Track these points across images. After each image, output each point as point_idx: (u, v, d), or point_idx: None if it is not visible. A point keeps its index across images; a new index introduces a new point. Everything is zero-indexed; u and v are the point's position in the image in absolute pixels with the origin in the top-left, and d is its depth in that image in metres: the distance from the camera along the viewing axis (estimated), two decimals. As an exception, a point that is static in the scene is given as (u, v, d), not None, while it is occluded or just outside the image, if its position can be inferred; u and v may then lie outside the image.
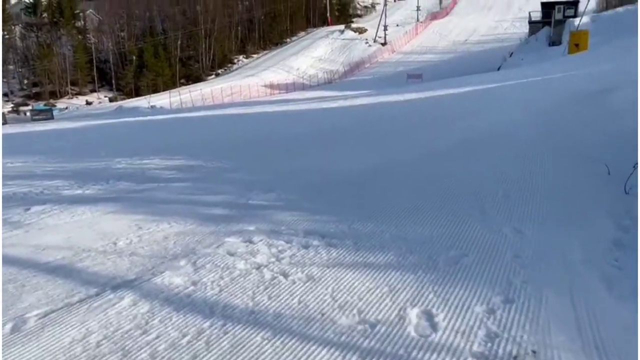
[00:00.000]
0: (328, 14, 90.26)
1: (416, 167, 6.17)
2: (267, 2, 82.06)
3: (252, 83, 62.34)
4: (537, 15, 55.62)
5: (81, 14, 69.43)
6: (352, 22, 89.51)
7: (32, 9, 65.17)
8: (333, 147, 8.04)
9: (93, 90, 64.08)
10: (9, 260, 3.54)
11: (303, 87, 62.16)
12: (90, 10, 73.77)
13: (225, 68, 73.93)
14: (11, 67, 62.50)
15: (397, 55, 72.82)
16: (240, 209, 4.67)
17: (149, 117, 28.14)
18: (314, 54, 75.25)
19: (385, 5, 79.09)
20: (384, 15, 76.81)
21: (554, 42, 47.83)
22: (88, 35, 68.15)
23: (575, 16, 47.16)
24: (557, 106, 10.78)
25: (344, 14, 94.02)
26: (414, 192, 5.01)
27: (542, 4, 55.95)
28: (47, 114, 44.22)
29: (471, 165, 5.99)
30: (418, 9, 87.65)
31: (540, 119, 9.53)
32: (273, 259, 3.47)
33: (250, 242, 3.81)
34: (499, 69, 48.63)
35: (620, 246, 3.77)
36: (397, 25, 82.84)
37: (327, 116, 15.73)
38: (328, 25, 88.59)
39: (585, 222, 4.11)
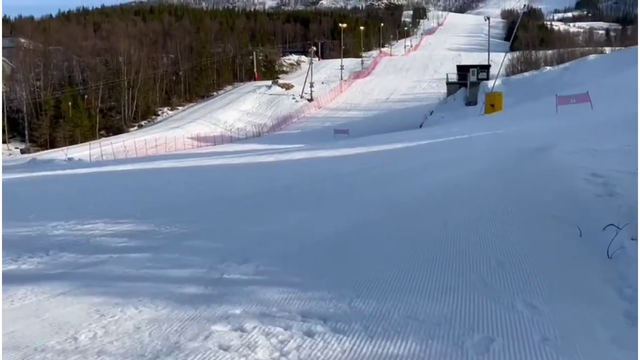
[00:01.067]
0: (255, 70, 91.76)
1: (390, 228, 5.88)
2: (193, 56, 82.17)
3: (178, 135, 61.08)
4: (453, 77, 59.67)
5: (-8, 61, 65.56)
6: (279, 78, 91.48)
7: (-64, 53, 60.68)
8: (291, 208, 7.62)
9: (3, 142, 59.70)
10: None
11: (231, 140, 61.81)
12: (3, 58, 69.98)
13: (149, 120, 72.20)
14: None
15: (324, 111, 74.76)
16: (217, 285, 4.10)
17: (70, 171, 26.29)
18: (242, 107, 75.55)
19: (311, 63, 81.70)
20: (310, 73, 79.14)
21: (470, 102, 51.25)
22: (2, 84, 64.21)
23: (487, 79, 51.10)
24: (501, 164, 11.11)
25: (270, 70, 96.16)
26: (399, 258, 4.68)
27: (458, 67, 60.31)
28: (-55, 167, 40.13)
29: (448, 224, 5.79)
30: (342, 67, 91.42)
31: (489, 177, 9.70)
32: (277, 354, 2.95)
33: (242, 330, 3.26)
34: (421, 126, 51.07)
35: (633, 319, 3.63)
36: (323, 83, 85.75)
37: (267, 172, 15.34)
38: (255, 80, 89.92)
39: (591, 293, 3.95)
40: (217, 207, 8.01)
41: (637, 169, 6.37)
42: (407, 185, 8.95)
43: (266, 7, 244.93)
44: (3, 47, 78.02)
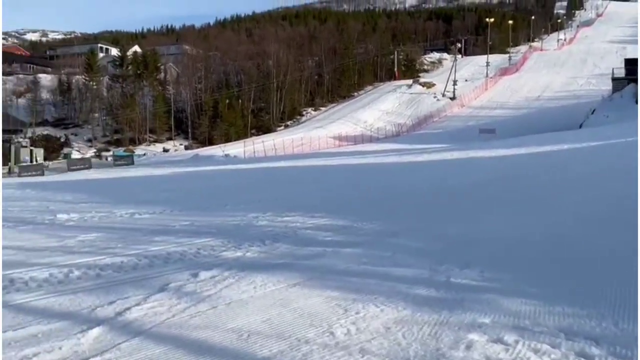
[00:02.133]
0: (395, 69, 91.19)
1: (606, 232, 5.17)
2: (336, 58, 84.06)
3: (320, 135, 62.85)
4: (620, 72, 53.36)
5: (162, 67, 73.60)
6: (419, 76, 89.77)
7: (120, 62, 69.70)
8: (489, 209, 7.16)
9: (169, 138, 66.77)
10: (213, 350, 2.88)
11: (371, 140, 61.97)
12: (170, 63, 78.31)
13: (294, 120, 75.42)
14: (96, 114, 66.53)
15: (467, 110, 71.74)
16: (449, 289, 3.87)
17: (232, 166, 28.44)
18: (382, 107, 75.49)
19: (455, 60, 78.97)
20: (453, 70, 76.50)
21: (642, 99, 45.35)
22: (168, 87, 71.88)
23: (664, 72, 44.79)
24: None
25: (411, 69, 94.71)
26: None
27: (626, 60, 53.78)
28: (127, 160, 46.04)
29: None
30: (487, 64, 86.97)
31: None
32: (561, 375, 2.61)
33: (503, 342, 2.98)
34: (580, 126, 46.53)
35: None
36: (466, 80, 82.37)
37: (434, 170, 14.92)
38: (395, 79, 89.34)
39: None
40: (402, 204, 7.86)
41: None
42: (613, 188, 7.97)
43: (407, 5, 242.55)
44: (171, 54, 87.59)
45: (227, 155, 50.49)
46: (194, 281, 4.09)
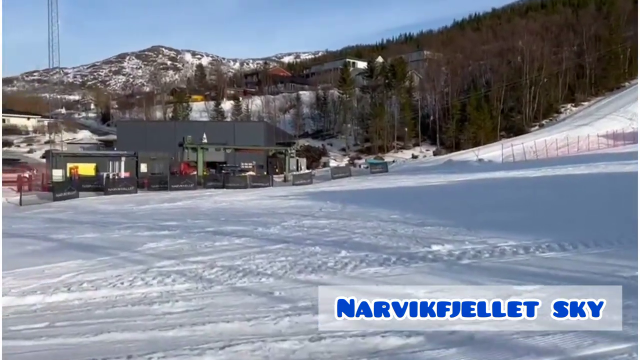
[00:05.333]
0: (682, 50, 74.87)
1: None
2: (600, 45, 73.07)
3: (585, 134, 54.97)
4: None
5: (409, 74, 74.53)
6: None
7: (369, 73, 72.97)
8: None
9: (416, 145, 67.01)
10: None
11: (657, 138, 51.59)
12: (413, 70, 78.86)
13: (551, 118, 68.08)
14: (349, 125, 70.80)
15: None
16: None
17: (504, 173, 26.03)
18: (666, 97, 62.58)
19: None
20: None
21: None
22: (413, 94, 72.43)
23: None
24: None
25: (702, 48, 76.59)
26: None
27: None
28: (382, 168, 47.09)
29: None
30: None
31: None
32: None
33: None
34: None
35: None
36: None
37: None
38: (681, 62, 73.37)
39: None
40: None
41: None
42: None
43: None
44: (413, 61, 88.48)
45: (480, 160, 47.78)
46: None
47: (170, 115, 78.76)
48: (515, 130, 65.66)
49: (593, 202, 11.49)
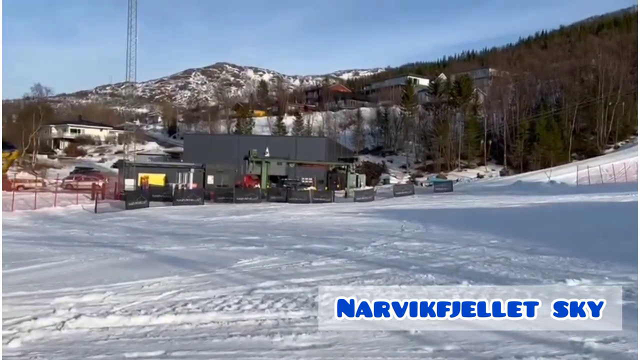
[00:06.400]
0: None
1: None
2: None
3: (667, 157, 51.15)
4: None
5: (474, 92, 72.61)
6: None
7: (433, 90, 71.66)
8: None
9: (480, 164, 64.81)
10: None
11: None
12: (477, 88, 76.67)
13: (627, 140, 64.08)
14: (410, 142, 69.58)
15: None
16: None
17: (595, 197, 24.27)
18: None
19: None
20: None
21: None
22: (479, 112, 70.37)
23: None
24: None
25: None
26: None
27: None
28: (447, 186, 45.65)
29: None
30: None
31: None
32: None
33: None
34: None
35: None
36: None
37: None
38: None
39: None
40: None
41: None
42: None
43: None
44: (478, 78, 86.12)
45: (552, 182, 45.41)
46: None
47: (234, 129, 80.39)
48: (588, 151, 62.27)
49: None
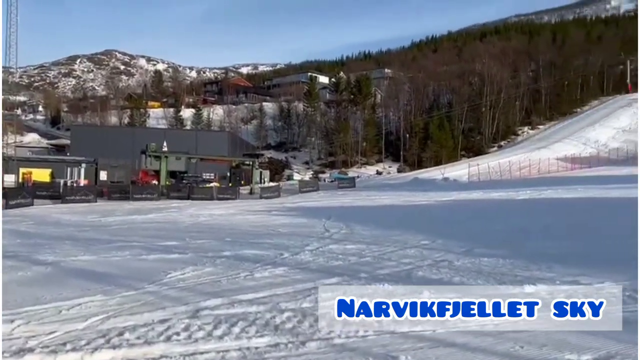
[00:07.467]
0: (628, 80, 79.24)
1: None
2: (555, 72, 76.14)
3: (544, 156, 56.60)
4: None
5: (372, 91, 74.81)
6: (657, 88, 76.51)
7: (335, 88, 72.72)
8: None
9: (379, 161, 67.01)
10: None
11: (608, 162, 53.86)
12: (374, 87, 79.19)
13: (509, 140, 69.90)
14: (312, 139, 70.07)
15: None
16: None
17: (500, 193, 25.80)
18: (616, 124, 65.77)
19: None
20: None
21: None
22: (377, 111, 72.70)
23: None
24: None
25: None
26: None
27: None
28: (350, 183, 46.54)
29: None
30: None
31: None
32: None
33: None
34: None
35: None
36: None
37: None
38: (627, 92, 77.65)
39: None
40: None
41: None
42: None
43: (621, 11, 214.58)
44: (375, 78, 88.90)
45: (446, 179, 48.03)
46: None
47: (127, 121, 75.50)
48: (475, 150, 66.96)
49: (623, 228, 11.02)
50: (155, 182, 40.16)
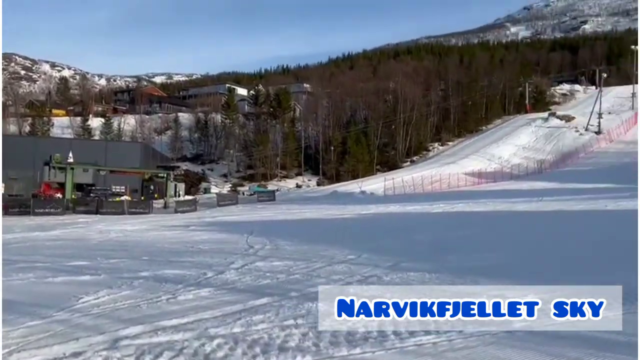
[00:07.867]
0: (527, 102, 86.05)
1: None
2: (462, 92, 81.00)
3: (453, 171, 59.72)
4: None
5: (292, 105, 75.19)
6: (550, 109, 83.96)
7: (254, 100, 72.25)
8: None
9: (298, 174, 67.25)
10: None
11: (511, 177, 57.84)
12: (294, 101, 79.77)
13: (421, 155, 73.02)
14: (231, 151, 68.91)
15: (618, 145, 64.93)
16: None
17: (415, 207, 26.51)
18: (517, 141, 70.88)
19: (600, 91, 72.57)
20: (598, 102, 70.22)
21: None
22: (297, 124, 73.12)
23: None
24: None
25: (541, 102, 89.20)
26: None
27: None
28: (270, 196, 46.19)
29: None
30: (633, 95, 79.29)
31: None
32: None
33: None
34: None
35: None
36: (609, 113, 75.35)
37: None
38: (526, 112, 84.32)
39: None
40: None
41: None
42: None
43: (519, 37, 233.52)
44: (294, 92, 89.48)
45: (363, 192, 49.08)
46: None
47: (27, 129, 69.97)
48: (390, 164, 69.25)
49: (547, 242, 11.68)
50: (59, 195, 37.46)
